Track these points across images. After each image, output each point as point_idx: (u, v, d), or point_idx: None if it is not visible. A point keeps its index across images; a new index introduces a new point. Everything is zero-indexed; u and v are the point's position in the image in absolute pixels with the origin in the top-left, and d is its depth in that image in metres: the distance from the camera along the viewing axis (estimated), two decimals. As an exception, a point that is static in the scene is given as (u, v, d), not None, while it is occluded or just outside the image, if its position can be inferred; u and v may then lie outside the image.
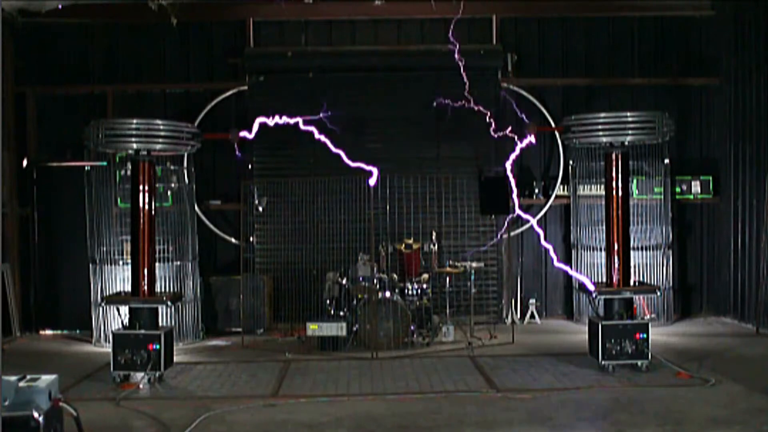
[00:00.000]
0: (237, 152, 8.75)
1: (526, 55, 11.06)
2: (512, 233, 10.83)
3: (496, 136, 8.93)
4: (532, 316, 10.73)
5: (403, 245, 9.72)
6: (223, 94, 10.77)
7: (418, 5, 10.66)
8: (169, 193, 9.70)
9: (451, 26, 9.14)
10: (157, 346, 7.39)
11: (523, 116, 9.30)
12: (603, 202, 8.44)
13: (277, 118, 8.44)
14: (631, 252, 8.40)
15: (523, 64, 11.04)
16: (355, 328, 8.92)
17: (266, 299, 10.19)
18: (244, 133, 8.39)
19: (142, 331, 7.48)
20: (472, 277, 9.49)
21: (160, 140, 7.81)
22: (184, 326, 9.61)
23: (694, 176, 10.89)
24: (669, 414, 6.20)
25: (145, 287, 7.77)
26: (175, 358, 8.01)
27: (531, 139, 8.46)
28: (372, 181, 8.73)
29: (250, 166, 10.52)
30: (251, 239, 10.58)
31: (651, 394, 6.81)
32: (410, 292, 9.30)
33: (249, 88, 10.77)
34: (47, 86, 10.78)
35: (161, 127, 7.87)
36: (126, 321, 7.66)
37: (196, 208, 10.24)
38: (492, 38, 10.95)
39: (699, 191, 10.89)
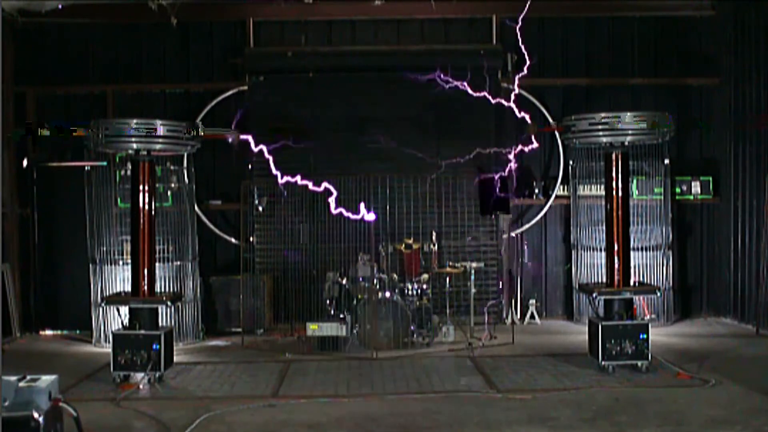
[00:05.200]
0: (234, 137, 8.77)
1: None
2: (512, 233, 10.83)
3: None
4: (532, 316, 10.73)
5: (403, 245, 9.72)
6: (223, 94, 10.77)
7: (418, 5, 10.66)
8: (169, 193, 9.70)
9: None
10: (157, 346, 7.39)
11: (526, 116, 9.28)
12: (603, 202, 8.44)
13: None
14: (631, 252, 8.39)
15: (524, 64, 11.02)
16: (355, 329, 8.92)
17: (266, 299, 10.19)
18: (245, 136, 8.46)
19: (142, 331, 7.48)
20: (473, 277, 9.50)
21: (160, 140, 7.80)
22: (184, 326, 9.60)
23: (694, 176, 10.88)
24: (669, 414, 6.21)
25: (145, 287, 7.76)
26: (175, 358, 8.01)
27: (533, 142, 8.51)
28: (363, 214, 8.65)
29: (250, 166, 10.52)
30: (251, 239, 10.58)
31: (651, 395, 6.82)
32: (410, 292, 9.30)
33: (249, 88, 10.78)
34: (47, 86, 10.78)
35: (161, 127, 7.87)
36: (126, 321, 7.66)
37: (196, 208, 10.24)
38: (492, 38, 10.94)
39: (699, 191, 10.88)
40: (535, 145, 8.59)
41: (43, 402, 4.46)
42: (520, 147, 8.73)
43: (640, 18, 11.07)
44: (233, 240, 10.71)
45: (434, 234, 10.02)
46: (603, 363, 7.58)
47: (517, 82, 8.76)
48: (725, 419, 6.06)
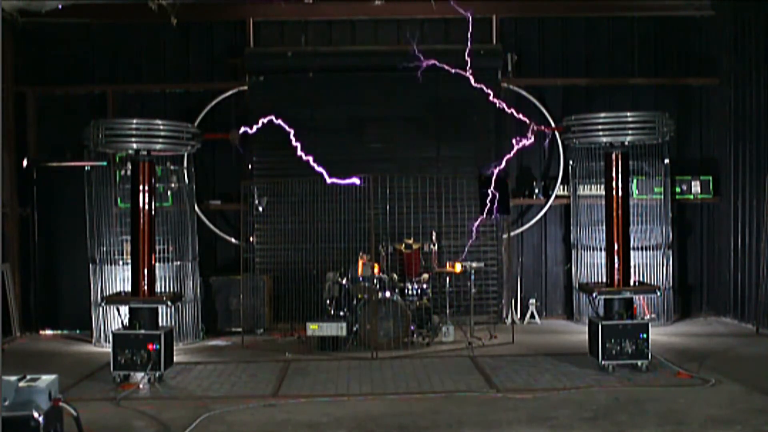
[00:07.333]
0: (239, 149, 8.77)
1: (526, 55, 11.06)
2: (512, 233, 10.83)
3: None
4: (532, 316, 10.73)
5: (403, 245, 9.72)
6: (223, 94, 10.77)
7: (418, 5, 10.66)
8: (169, 193, 9.70)
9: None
10: (157, 346, 7.39)
11: (522, 116, 9.28)
12: (603, 202, 8.44)
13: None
14: (631, 252, 8.40)
15: (523, 64, 11.04)
16: (355, 328, 8.92)
17: (266, 299, 10.19)
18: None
19: (142, 331, 7.48)
20: (472, 277, 9.50)
21: (160, 140, 7.81)
22: (184, 326, 9.61)
23: (694, 176, 10.89)
24: (669, 414, 6.21)
25: (145, 287, 7.77)
26: (175, 358, 8.01)
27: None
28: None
29: (250, 166, 10.52)
30: (251, 239, 10.58)
31: (651, 394, 6.82)
32: (410, 292, 9.30)
33: (249, 88, 10.78)
34: (47, 86, 10.78)
35: (161, 127, 7.87)
36: (126, 321, 7.67)
37: (196, 208, 10.24)
38: (492, 38, 10.95)
39: (699, 191, 10.89)
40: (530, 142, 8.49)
41: (43, 402, 4.47)
42: (518, 146, 8.72)
43: (640, 18, 11.08)
44: (233, 240, 10.71)
45: (434, 234, 10.02)
46: (603, 362, 7.58)
47: (516, 81, 8.76)
48: (725, 419, 6.06)
